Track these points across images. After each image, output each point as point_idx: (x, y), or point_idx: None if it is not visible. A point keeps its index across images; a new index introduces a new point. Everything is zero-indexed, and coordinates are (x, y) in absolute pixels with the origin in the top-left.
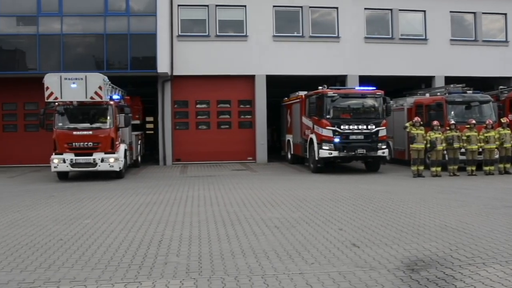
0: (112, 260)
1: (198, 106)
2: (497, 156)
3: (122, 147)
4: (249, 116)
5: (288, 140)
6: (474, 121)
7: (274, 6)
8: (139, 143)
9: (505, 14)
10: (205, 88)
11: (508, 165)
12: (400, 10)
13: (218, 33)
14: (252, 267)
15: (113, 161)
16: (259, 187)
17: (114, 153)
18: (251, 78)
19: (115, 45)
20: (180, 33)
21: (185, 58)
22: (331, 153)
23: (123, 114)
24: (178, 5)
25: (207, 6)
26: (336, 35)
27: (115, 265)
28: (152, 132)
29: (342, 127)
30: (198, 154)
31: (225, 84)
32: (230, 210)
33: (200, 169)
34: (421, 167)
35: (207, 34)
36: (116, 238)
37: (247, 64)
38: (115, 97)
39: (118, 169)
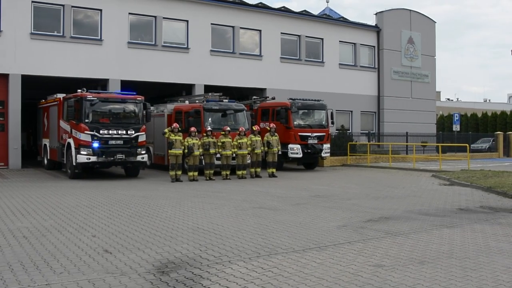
0: None
1: None
2: (249, 161)
3: None
4: (1, 118)
5: (45, 145)
6: (228, 128)
7: (33, 2)
8: None
9: (260, 30)
10: None
11: (258, 170)
12: (164, 18)
13: None
14: None
15: None
16: (9, 195)
17: None
18: (4, 77)
19: None
20: None
21: None
22: (89, 158)
23: None
24: None
25: None
26: (99, 37)
27: None
28: None
29: (101, 132)
30: None
31: None
32: None
33: None
34: (179, 172)
35: None
36: None
37: (0, 61)
38: None
39: None
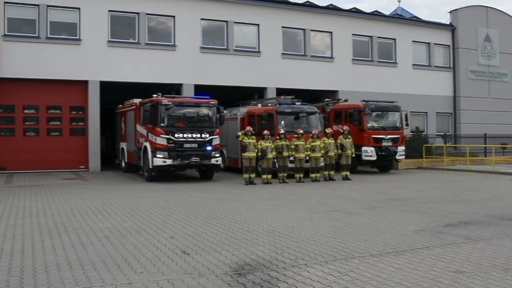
0: None
1: (26, 111)
2: (322, 164)
3: None
4: (81, 123)
5: (122, 148)
6: (301, 131)
7: (110, 11)
8: None
9: (331, 32)
10: (34, 93)
11: (332, 172)
12: (235, 22)
13: (49, 35)
14: (78, 280)
15: None
16: (90, 197)
17: None
18: (84, 84)
19: None
20: (6, 33)
21: (12, 59)
22: (165, 162)
23: None
24: (5, 2)
25: (38, 5)
26: (173, 43)
27: None
28: None
29: (176, 135)
30: (26, 162)
31: (56, 89)
32: (57, 221)
33: (28, 178)
34: (253, 175)
35: (37, 35)
36: None
37: (80, 69)
38: None
39: None
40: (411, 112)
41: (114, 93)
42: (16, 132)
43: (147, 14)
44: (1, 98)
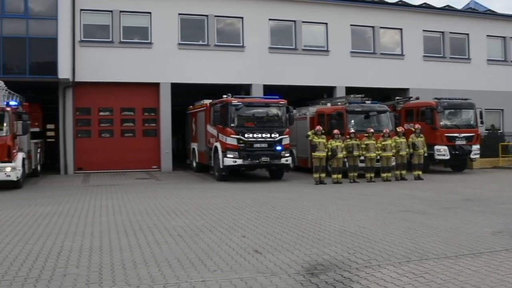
0: (6, 274)
1: (101, 113)
2: (393, 163)
3: (20, 156)
4: (153, 124)
5: (193, 149)
6: (372, 130)
7: (179, 14)
8: (38, 151)
9: (401, 29)
10: (109, 95)
11: (404, 172)
12: (303, 22)
13: (122, 39)
14: (154, 276)
15: (10, 170)
16: (163, 196)
17: (11, 161)
18: (155, 86)
19: (13, 49)
20: (82, 38)
21: (88, 64)
22: (236, 161)
23: (21, 121)
24: (81, 10)
25: (111, 11)
26: (241, 44)
27: (9, 279)
28: (53, 140)
29: (246, 135)
30: (101, 162)
31: (129, 91)
32: (133, 220)
33: (103, 178)
34: (323, 174)
35: (110, 40)
36: (12, 251)
37: (151, 71)
38: (12, 103)
39: (15, 179)
40: (486, 109)
41: (185, 94)
42: (92, 134)
43: (215, 16)
44: (78, 101)
